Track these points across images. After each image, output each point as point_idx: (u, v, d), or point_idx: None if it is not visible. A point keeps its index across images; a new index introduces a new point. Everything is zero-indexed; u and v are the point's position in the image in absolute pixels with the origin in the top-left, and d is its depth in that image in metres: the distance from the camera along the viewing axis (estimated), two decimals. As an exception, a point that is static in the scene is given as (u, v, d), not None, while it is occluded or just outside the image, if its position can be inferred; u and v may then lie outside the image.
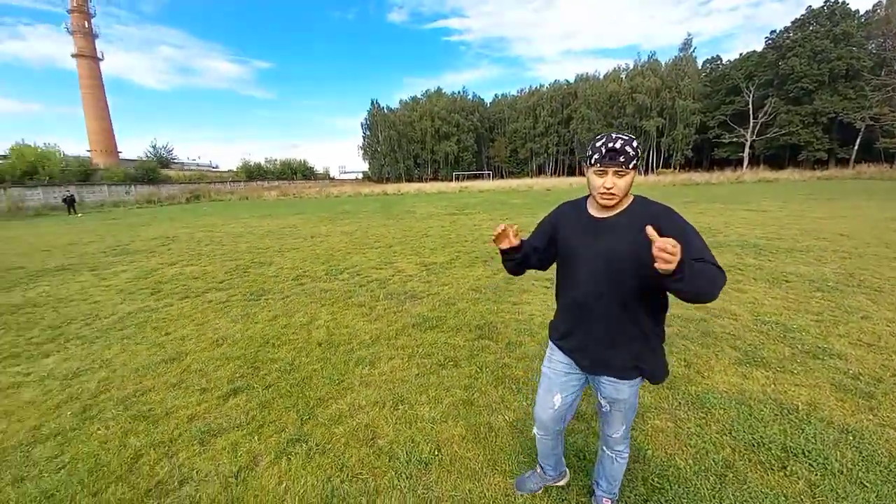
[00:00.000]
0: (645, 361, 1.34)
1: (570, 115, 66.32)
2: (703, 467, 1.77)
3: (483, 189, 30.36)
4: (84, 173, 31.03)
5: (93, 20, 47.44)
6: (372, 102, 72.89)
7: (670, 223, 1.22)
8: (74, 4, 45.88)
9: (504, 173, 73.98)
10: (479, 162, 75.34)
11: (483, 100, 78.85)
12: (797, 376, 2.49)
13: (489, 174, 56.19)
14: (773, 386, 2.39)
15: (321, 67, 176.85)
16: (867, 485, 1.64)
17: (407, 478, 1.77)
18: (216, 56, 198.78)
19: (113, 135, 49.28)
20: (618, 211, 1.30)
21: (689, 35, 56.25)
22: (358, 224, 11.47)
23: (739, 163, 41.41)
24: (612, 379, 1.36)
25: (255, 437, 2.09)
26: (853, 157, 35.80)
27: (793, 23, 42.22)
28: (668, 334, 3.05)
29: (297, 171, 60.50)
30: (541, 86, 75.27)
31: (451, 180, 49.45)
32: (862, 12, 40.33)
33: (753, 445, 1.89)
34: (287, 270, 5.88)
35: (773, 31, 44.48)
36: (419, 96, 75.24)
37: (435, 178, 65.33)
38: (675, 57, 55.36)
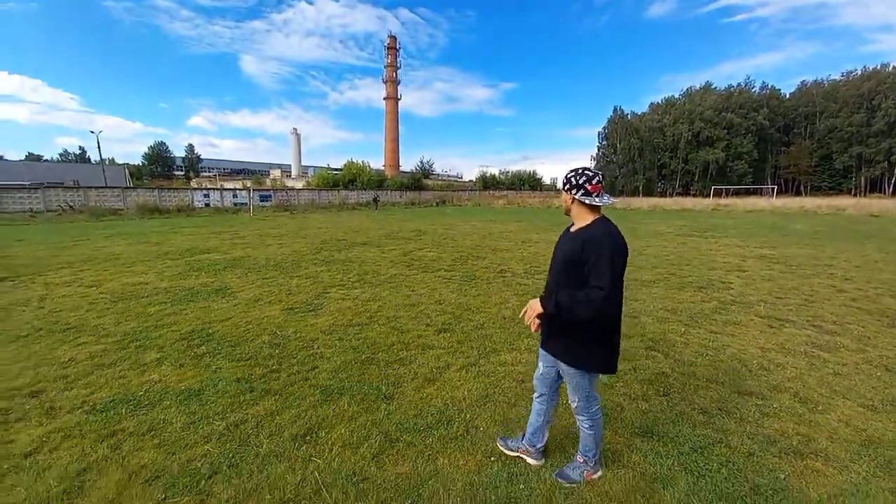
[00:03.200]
0: (571, 353, 1.82)
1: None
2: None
3: (754, 209, 25.20)
4: (380, 182, 44.41)
5: (399, 71, 66.08)
6: (615, 109, 70.27)
7: (589, 248, 1.66)
8: (388, 62, 65.76)
9: (805, 189, 57.86)
10: (761, 173, 61.23)
11: (780, 90, 63.55)
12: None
13: (771, 189, 44.94)
14: None
15: (561, 80, 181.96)
16: None
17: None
18: (474, 84, 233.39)
19: (398, 154, 67.27)
20: (579, 227, 1.80)
21: None
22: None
23: None
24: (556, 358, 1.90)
25: (451, 355, 3.41)
26: None
27: None
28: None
29: (525, 182, 65.82)
30: (885, 65, 54.70)
31: (708, 195, 42.34)
32: None
33: None
34: (496, 264, 7.38)
35: None
36: (677, 96, 67.34)
37: (685, 193, 57.25)
38: None
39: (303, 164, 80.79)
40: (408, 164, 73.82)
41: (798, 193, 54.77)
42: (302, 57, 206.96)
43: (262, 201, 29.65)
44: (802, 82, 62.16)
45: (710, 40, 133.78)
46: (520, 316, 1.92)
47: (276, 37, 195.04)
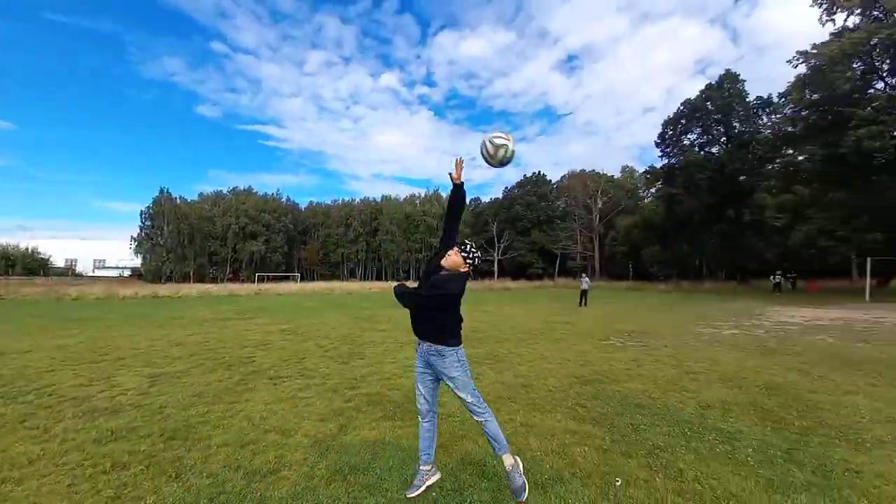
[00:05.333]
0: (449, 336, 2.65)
1: (377, 227, 73.22)
2: (269, 487, 2.72)
3: (284, 292, 29.45)
4: None
5: None
6: (161, 190, 63.49)
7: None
8: None
9: (316, 276, 72.92)
10: (290, 263, 72.72)
11: (298, 204, 79.81)
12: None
13: (297, 276, 54.66)
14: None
15: (88, 134, 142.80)
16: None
17: None
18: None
19: None
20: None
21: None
22: (88, 334, 9.61)
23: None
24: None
25: None
26: (556, 272, 51.40)
27: (517, 182, 61.33)
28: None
29: (15, 263, 44.94)
30: (352, 199, 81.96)
31: (254, 282, 45.78)
32: (554, 181, 61.95)
33: (315, 467, 2.98)
34: (-56, 395, 4.72)
35: (506, 186, 63.17)
36: (226, 192, 70.41)
37: (235, 279, 58.90)
38: (454, 193, 70.10)
39: None
40: None
41: (313, 279, 69.31)
42: None
43: None
44: (311, 202, 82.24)
45: (251, 152, 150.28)
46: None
47: None
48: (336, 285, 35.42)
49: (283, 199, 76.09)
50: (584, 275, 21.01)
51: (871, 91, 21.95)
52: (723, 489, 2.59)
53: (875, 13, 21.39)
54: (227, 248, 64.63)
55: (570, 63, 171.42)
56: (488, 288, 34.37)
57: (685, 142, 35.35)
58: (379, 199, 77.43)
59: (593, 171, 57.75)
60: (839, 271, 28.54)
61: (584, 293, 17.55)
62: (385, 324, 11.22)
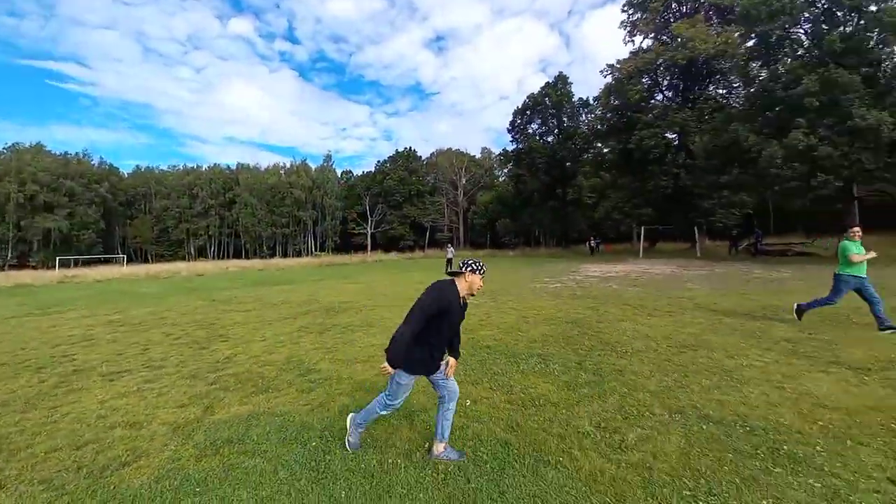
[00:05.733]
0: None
1: (234, 199, 63.95)
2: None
3: (105, 278, 23.61)
4: None
5: None
6: None
7: (427, 290, 2.48)
8: None
9: (151, 257, 60.29)
10: (111, 243, 58.16)
11: (119, 168, 63.49)
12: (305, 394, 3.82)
13: (122, 258, 44.04)
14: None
15: None
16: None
17: None
18: None
19: None
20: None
21: (329, 151, 68.97)
22: None
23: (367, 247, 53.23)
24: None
25: None
26: (426, 244, 54.00)
27: (390, 157, 60.96)
28: (183, 392, 3.80)
29: None
30: (199, 166, 69.04)
31: (54, 267, 35.08)
32: (424, 157, 63.51)
33: (181, 448, 2.83)
34: None
35: (379, 160, 62.18)
36: (1, 149, 51.22)
37: (22, 266, 44.19)
38: (322, 165, 65.56)
39: None
40: None
41: (146, 261, 57.02)
42: None
43: None
44: (137, 166, 65.99)
45: (41, 95, 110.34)
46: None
47: None
48: (182, 266, 30.06)
49: (95, 162, 59.45)
50: (449, 245, 22.74)
51: (653, 101, 28.74)
52: (537, 393, 3.52)
53: (664, 37, 27.49)
54: (8, 224, 47.65)
55: (439, 43, 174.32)
56: (362, 261, 34.04)
57: (529, 130, 40.46)
58: (234, 167, 67.31)
59: (459, 150, 61.37)
60: (627, 237, 37.50)
61: (449, 261, 19.12)
62: (250, 303, 10.31)
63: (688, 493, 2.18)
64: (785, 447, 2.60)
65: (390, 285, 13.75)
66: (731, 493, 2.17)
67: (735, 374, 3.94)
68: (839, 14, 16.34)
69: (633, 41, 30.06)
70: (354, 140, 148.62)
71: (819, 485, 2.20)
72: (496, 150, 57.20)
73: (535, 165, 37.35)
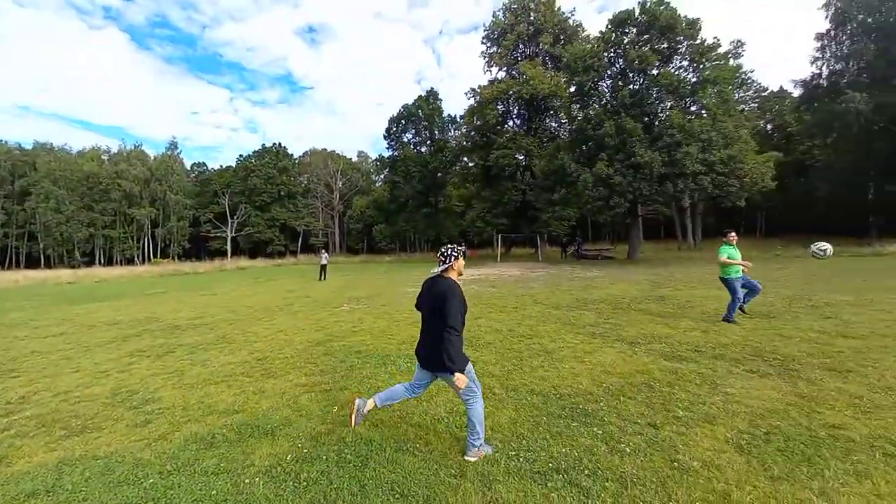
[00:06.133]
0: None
1: (28, 189, 48.25)
2: None
3: None
4: None
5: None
6: None
7: (445, 293, 2.51)
8: None
9: None
10: None
11: None
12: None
13: None
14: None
15: None
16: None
17: None
18: None
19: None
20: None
21: (174, 138, 57.80)
22: None
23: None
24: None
25: None
26: (299, 249, 50.11)
27: (256, 152, 54.41)
28: None
29: None
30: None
31: None
32: (297, 155, 58.72)
33: None
34: None
35: (242, 155, 54.92)
36: None
37: None
38: (164, 153, 54.59)
39: None
40: None
41: None
42: None
43: None
44: None
45: None
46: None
47: None
48: (-73, 281, 21.18)
49: None
50: (323, 250, 21.61)
51: (507, 126, 32.79)
52: (385, 385, 3.77)
53: (514, 72, 31.55)
54: None
55: (312, 35, 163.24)
56: (219, 269, 29.46)
57: (404, 139, 41.50)
58: (31, 147, 50.42)
59: (335, 151, 58.66)
60: (490, 243, 41.77)
61: (323, 267, 18.21)
62: (55, 326, 7.99)
63: (513, 453, 2.71)
64: (581, 406, 3.43)
65: (254, 295, 12.42)
66: (543, 447, 2.79)
67: (555, 354, 4.93)
68: (630, 74, 21.61)
69: (490, 71, 33.84)
70: (210, 128, 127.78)
71: (601, 431, 2.99)
72: (373, 155, 56.90)
73: (410, 173, 38.52)
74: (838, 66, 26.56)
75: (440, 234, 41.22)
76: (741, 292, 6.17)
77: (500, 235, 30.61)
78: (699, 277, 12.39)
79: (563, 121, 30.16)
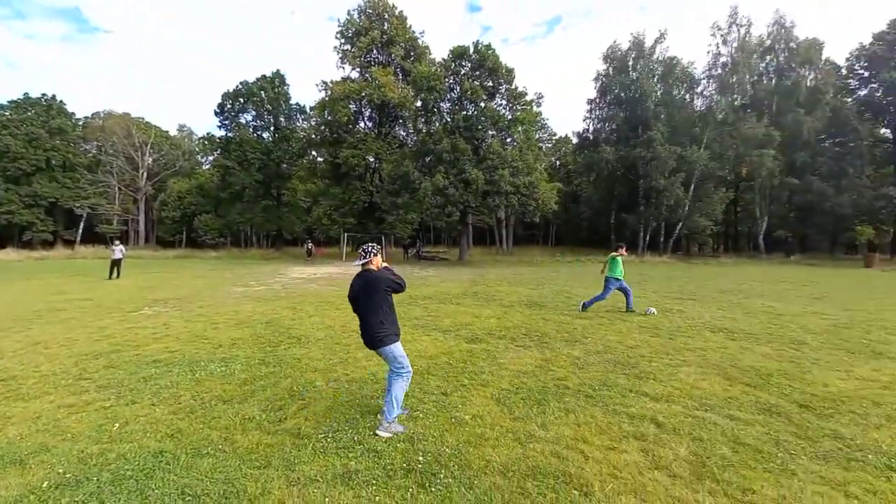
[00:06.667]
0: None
1: None
2: None
3: None
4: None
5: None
6: None
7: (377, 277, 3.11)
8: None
9: None
10: None
11: None
12: None
13: None
14: None
15: None
16: None
17: None
18: None
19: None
20: None
21: None
22: None
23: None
24: None
25: None
26: (78, 238, 37.16)
27: (13, 102, 37.68)
28: None
29: None
30: None
31: None
32: (80, 115, 43.18)
33: None
34: None
35: (-28, 100, 37.07)
36: None
37: None
38: None
39: None
40: None
41: None
42: None
43: None
44: None
45: None
46: None
47: None
48: None
49: None
50: (117, 242, 16.67)
51: (358, 126, 32.30)
52: (210, 396, 3.50)
53: (367, 75, 31.05)
54: None
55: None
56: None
57: (242, 120, 35.90)
58: None
59: (143, 118, 45.67)
60: (336, 241, 40.31)
61: (115, 263, 14.15)
62: None
63: (322, 435, 2.92)
64: (392, 386, 3.89)
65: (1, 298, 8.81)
66: (352, 425, 3.08)
67: (379, 345, 5.36)
68: (464, 102, 24.52)
69: (343, 68, 32.80)
70: None
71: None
72: (199, 133, 47.09)
73: (248, 160, 33.61)
74: (599, 125, 36.54)
75: (282, 229, 37.46)
76: (610, 293, 7.75)
77: (346, 234, 30.01)
78: (506, 277, 15.18)
79: (410, 131, 31.75)
